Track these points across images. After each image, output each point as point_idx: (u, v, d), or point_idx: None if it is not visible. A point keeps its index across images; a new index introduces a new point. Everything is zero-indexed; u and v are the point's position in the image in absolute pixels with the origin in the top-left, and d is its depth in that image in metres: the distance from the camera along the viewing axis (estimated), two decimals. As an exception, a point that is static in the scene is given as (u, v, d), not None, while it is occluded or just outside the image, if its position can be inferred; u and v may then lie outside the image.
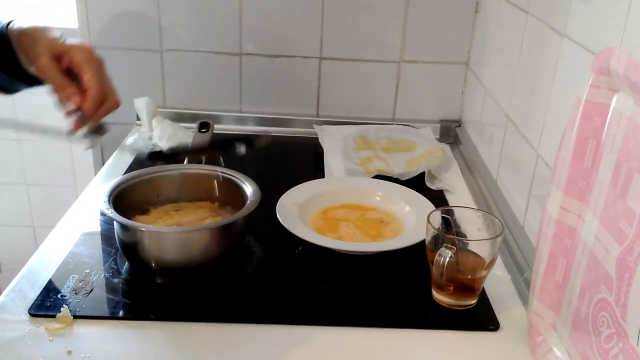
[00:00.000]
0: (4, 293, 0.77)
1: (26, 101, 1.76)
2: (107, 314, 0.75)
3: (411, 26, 1.28)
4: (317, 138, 1.27)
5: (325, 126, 1.32)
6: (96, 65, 0.76)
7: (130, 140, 1.23)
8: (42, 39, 0.75)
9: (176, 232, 0.81)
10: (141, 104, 1.26)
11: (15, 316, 0.73)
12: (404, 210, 0.98)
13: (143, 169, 0.92)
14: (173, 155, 1.17)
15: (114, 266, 0.83)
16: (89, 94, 0.75)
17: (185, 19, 1.29)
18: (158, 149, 1.20)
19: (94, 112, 0.76)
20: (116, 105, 0.78)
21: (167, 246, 0.80)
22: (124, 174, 1.11)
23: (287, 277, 0.84)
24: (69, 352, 0.68)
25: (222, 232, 0.81)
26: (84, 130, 0.77)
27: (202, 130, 1.13)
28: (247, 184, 0.88)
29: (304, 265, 0.87)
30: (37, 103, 1.78)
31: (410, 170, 1.12)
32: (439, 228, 0.78)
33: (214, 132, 1.14)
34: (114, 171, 1.13)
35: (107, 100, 0.77)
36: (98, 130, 0.78)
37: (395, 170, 1.12)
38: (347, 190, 1.03)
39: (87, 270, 0.82)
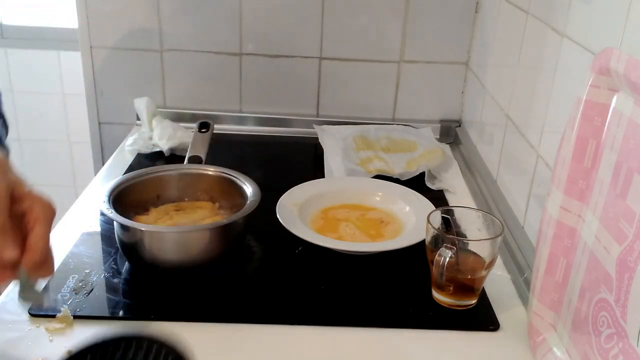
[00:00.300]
0: (4, 293, 0.77)
1: (27, 101, 1.77)
2: (107, 314, 0.75)
3: (411, 26, 1.28)
4: (317, 138, 1.27)
5: (325, 126, 1.32)
6: (50, 226, 0.65)
7: (130, 140, 1.23)
8: (10, 172, 0.64)
9: (176, 232, 0.81)
10: (141, 104, 1.26)
11: (15, 316, 0.73)
12: (404, 210, 0.98)
13: (143, 169, 0.92)
14: (173, 156, 1.18)
15: (114, 266, 0.83)
16: (35, 249, 0.62)
17: (185, 19, 1.29)
18: (158, 149, 1.20)
19: (32, 270, 0.63)
20: (50, 273, 0.66)
21: (167, 246, 0.80)
22: (124, 174, 1.11)
23: (287, 277, 0.84)
24: (69, 352, 0.68)
25: (222, 232, 0.81)
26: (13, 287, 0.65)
27: (202, 131, 1.13)
28: (247, 184, 0.88)
29: (304, 265, 0.87)
30: (37, 103, 1.78)
31: (410, 170, 1.12)
32: (439, 228, 0.78)
33: (214, 132, 1.14)
34: (114, 171, 1.13)
35: (45, 264, 0.65)
36: (32, 294, 0.64)
37: (395, 170, 1.12)
38: (347, 190, 1.03)
39: (87, 270, 0.82)
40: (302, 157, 1.28)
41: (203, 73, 1.33)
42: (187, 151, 1.06)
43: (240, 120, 1.34)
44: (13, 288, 0.78)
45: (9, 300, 0.76)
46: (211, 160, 1.03)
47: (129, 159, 1.19)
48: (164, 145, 1.19)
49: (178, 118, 1.30)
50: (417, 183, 1.10)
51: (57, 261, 0.83)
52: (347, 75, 1.33)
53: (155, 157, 1.20)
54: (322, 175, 1.12)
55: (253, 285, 0.83)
